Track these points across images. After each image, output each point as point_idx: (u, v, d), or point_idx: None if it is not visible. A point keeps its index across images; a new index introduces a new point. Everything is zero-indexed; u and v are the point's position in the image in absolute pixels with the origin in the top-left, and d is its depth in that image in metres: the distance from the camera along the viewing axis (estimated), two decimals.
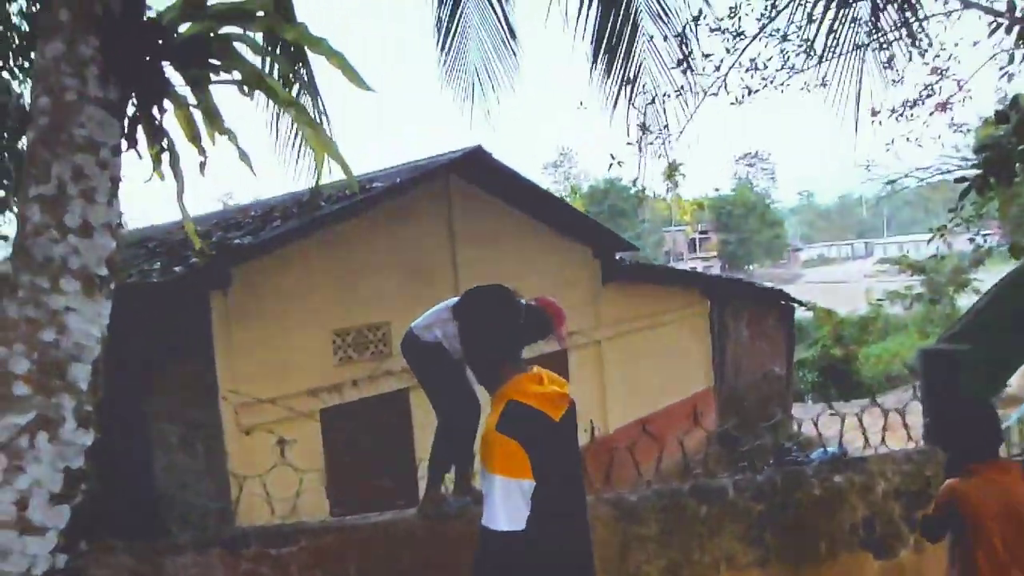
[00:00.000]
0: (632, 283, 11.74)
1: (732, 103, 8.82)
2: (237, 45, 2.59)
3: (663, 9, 4.34)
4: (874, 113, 9.60)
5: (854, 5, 4.59)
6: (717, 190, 59.31)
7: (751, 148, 75.80)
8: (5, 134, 5.65)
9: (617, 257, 11.57)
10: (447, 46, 4.74)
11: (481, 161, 8.84)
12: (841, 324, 22.98)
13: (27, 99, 4.29)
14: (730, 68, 8.15)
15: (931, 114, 10.40)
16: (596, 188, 54.57)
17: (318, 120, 4.14)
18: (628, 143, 6.35)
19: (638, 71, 4.55)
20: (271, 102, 3.90)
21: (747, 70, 8.53)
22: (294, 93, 4.03)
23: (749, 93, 8.84)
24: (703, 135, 8.42)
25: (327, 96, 4.34)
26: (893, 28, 4.64)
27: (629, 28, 4.41)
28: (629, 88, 4.57)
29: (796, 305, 14.97)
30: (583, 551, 2.24)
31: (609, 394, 11.19)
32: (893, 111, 10.03)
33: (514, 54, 4.63)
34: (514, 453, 1.92)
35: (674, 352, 12.58)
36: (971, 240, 14.66)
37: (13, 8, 5.47)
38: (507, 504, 1.90)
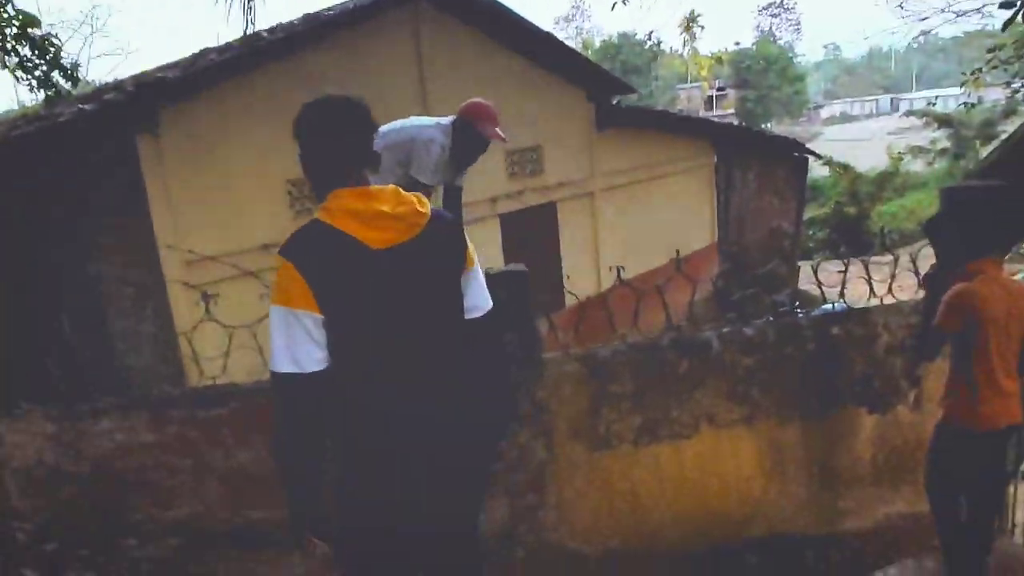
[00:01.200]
0: (630, 130, 10.76)
1: None
2: None
3: None
4: None
5: None
6: (737, 44, 55.89)
7: None
8: None
9: (614, 102, 10.54)
10: None
11: None
12: (857, 180, 21.78)
13: None
14: None
15: None
16: (608, 43, 51.61)
17: None
18: None
19: None
20: None
21: None
22: None
23: None
24: None
25: None
26: None
27: None
28: None
29: (809, 158, 13.92)
30: (420, 416, 1.72)
31: (603, 250, 10.54)
32: None
33: None
34: (291, 280, 1.61)
35: (676, 206, 11.77)
36: (1007, 85, 13.38)
37: None
38: (287, 340, 1.61)
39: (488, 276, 2.01)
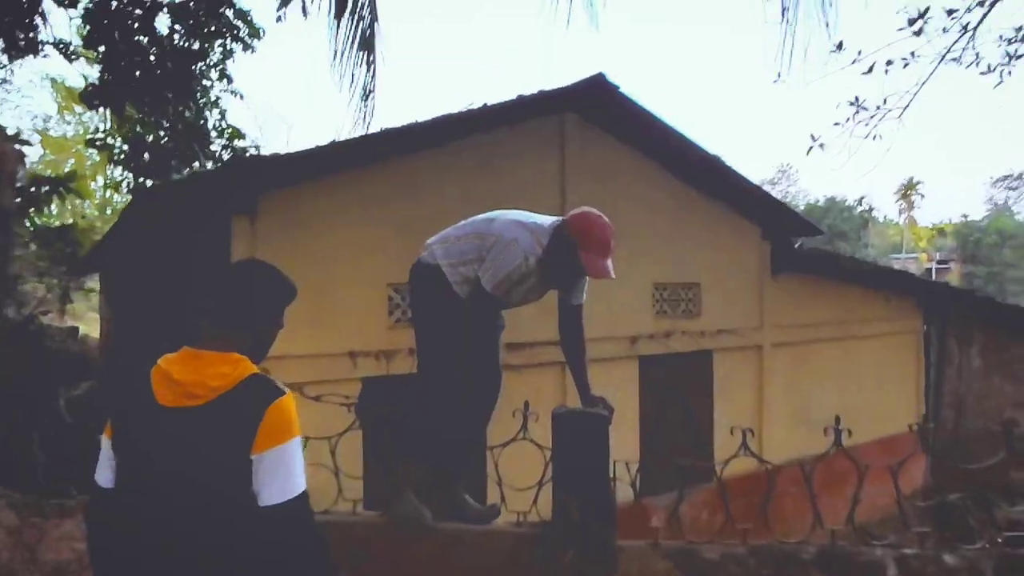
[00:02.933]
0: (813, 278, 9.13)
1: (983, 73, 5.41)
2: None
3: None
4: None
5: None
6: (965, 217, 50.89)
7: (1011, 168, 63.88)
8: None
9: (796, 244, 9.05)
10: None
11: (606, 95, 7.00)
12: None
13: None
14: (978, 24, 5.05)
15: None
16: (813, 206, 49.31)
17: None
18: (835, 124, 5.41)
19: None
20: None
21: (1010, 40, 5.24)
22: None
23: (1010, 60, 5.35)
24: (948, 139, 5.78)
25: None
26: None
27: None
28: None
29: None
30: None
31: (767, 418, 8.69)
32: None
33: None
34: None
35: (868, 377, 9.67)
36: None
37: None
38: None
39: (560, 417, 2.30)
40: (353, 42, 4.24)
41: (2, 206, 3.75)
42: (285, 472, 1.64)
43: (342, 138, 5.24)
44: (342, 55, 4.22)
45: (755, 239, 8.75)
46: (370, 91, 4.37)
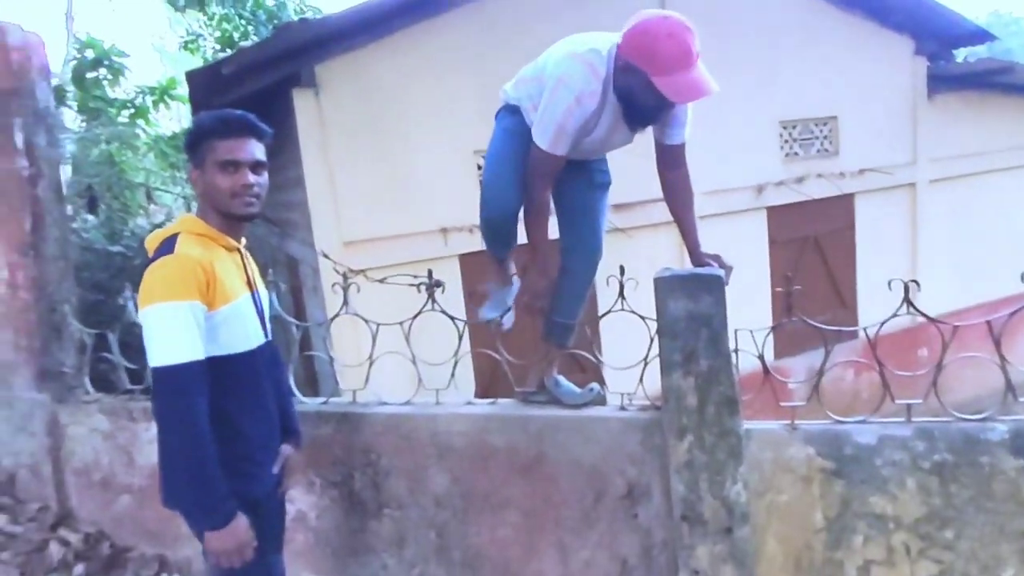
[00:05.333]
0: (978, 95, 7.59)
1: None
2: None
3: None
4: None
5: None
6: None
7: None
8: None
9: (957, 58, 7.51)
10: None
11: None
12: None
13: None
14: None
15: None
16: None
17: None
18: None
19: None
20: None
21: None
22: None
23: None
24: None
25: None
26: None
27: None
28: None
29: None
30: None
31: (923, 270, 7.56)
32: None
33: None
34: None
35: None
36: None
37: None
38: None
39: (663, 281, 2.04)
40: None
41: (38, 104, 3.40)
42: (147, 338, 1.62)
43: None
44: None
45: (906, 55, 7.30)
46: None
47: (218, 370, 1.67)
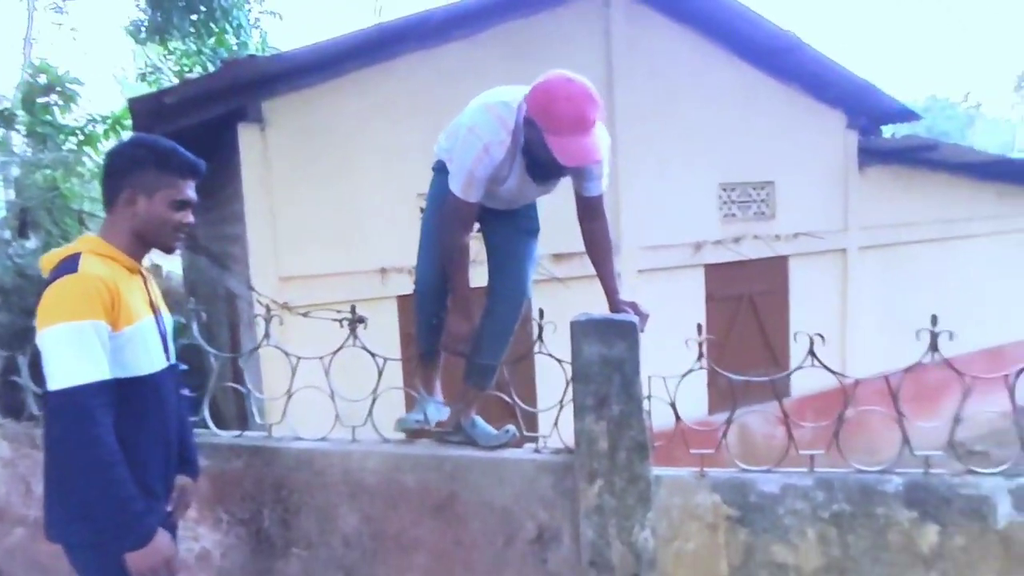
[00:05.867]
0: (908, 170, 8.02)
1: None
2: None
3: None
4: None
5: None
6: None
7: None
8: None
9: (885, 134, 7.95)
10: None
11: None
12: None
13: None
14: None
15: None
16: (911, 106, 45.30)
17: None
18: None
19: None
20: None
21: None
22: None
23: None
24: None
25: None
26: None
27: None
28: None
29: None
30: None
31: (851, 330, 7.84)
32: None
33: None
34: None
35: (971, 281, 8.58)
36: None
37: None
38: None
39: (578, 325, 2.12)
40: None
41: None
42: (47, 361, 1.58)
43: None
44: None
45: (839, 128, 7.70)
46: None
47: (120, 393, 1.63)
